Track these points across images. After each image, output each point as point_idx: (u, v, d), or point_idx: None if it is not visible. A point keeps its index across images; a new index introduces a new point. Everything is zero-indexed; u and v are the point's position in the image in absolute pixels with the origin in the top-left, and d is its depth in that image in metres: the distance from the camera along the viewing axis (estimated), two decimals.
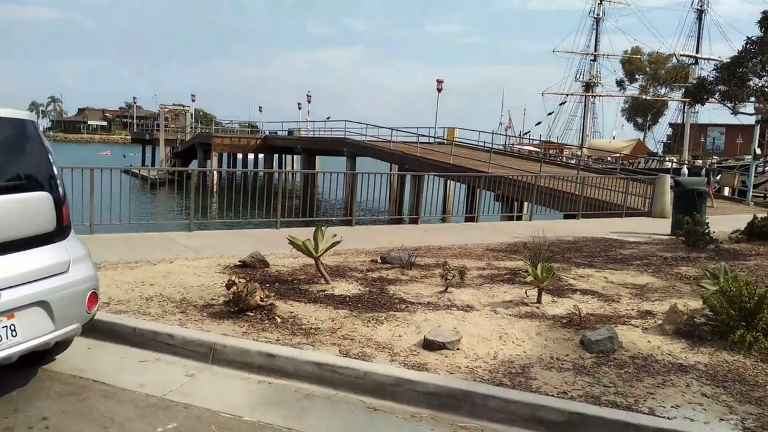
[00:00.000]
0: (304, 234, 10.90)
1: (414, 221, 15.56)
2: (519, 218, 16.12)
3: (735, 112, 10.43)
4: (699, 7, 56.62)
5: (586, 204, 15.83)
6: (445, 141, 37.48)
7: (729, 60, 9.60)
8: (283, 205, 11.70)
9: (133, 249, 8.28)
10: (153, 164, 55.95)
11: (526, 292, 6.10)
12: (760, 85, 9.89)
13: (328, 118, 46.15)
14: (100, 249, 7.18)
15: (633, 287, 6.92)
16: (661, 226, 13.27)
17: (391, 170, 36.52)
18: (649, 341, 4.91)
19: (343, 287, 6.26)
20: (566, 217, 17.06)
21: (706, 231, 9.68)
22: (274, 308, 5.13)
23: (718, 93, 10.04)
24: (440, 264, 7.82)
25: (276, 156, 49.77)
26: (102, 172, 9.86)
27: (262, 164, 47.24)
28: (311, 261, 6.57)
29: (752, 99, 9.94)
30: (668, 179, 16.47)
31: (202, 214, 15.80)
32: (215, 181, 35.60)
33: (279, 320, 4.99)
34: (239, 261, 7.15)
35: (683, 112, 57.90)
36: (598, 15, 66.62)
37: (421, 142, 30.28)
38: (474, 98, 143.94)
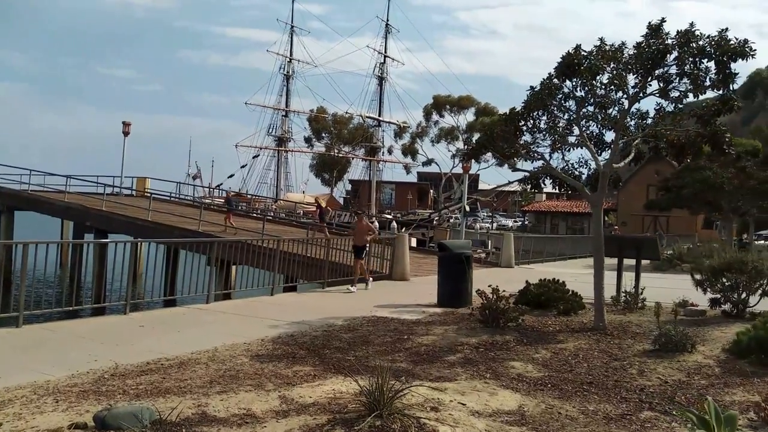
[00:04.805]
0: None
1: (100, 311, 11.07)
2: (227, 296, 12.47)
3: (513, 169, 9.53)
4: (380, 75, 62.29)
5: (330, 270, 13.70)
6: (134, 192, 32.33)
7: (506, 114, 8.50)
8: None
9: None
10: None
11: None
12: (528, 141, 9.03)
13: None
14: None
15: (514, 421, 4.70)
16: (418, 294, 11.85)
17: (63, 228, 29.74)
18: None
19: None
20: (287, 289, 14.57)
21: (507, 308, 8.25)
22: None
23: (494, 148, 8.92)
24: (208, 416, 4.50)
25: None
26: None
27: None
28: None
29: (522, 153, 9.05)
30: (407, 239, 15.54)
31: None
32: None
33: None
34: None
35: (370, 170, 62.42)
36: (288, 73, 68.36)
37: (107, 194, 24.90)
38: (159, 148, 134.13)
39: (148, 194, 28.77)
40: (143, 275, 18.24)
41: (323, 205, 25.26)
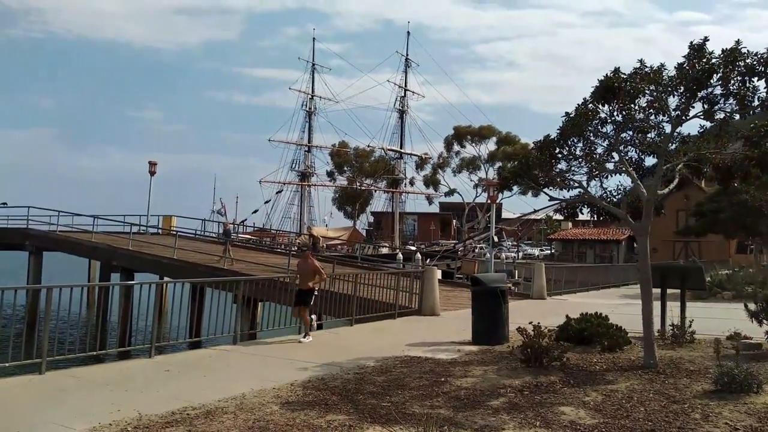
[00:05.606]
0: None
1: (125, 354, 10.74)
2: (252, 335, 11.85)
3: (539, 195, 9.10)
4: (400, 108, 62.54)
5: (358, 305, 13.29)
6: (160, 231, 32.44)
7: (540, 141, 8.14)
8: None
9: None
10: None
11: None
12: (563, 169, 8.65)
13: (3, 203, 36.66)
14: None
15: None
16: (450, 330, 11.39)
17: (91, 267, 29.93)
18: None
19: None
20: (320, 327, 14.15)
21: (549, 345, 7.77)
22: None
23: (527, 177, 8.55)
24: None
25: None
26: None
27: None
28: None
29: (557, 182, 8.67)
30: (436, 272, 15.11)
31: None
32: None
33: None
34: None
35: (392, 202, 62.21)
36: (310, 109, 68.99)
37: (134, 233, 24.93)
38: (184, 186, 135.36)
39: (174, 232, 28.79)
40: (168, 313, 18.02)
41: (315, 235, 25.21)
